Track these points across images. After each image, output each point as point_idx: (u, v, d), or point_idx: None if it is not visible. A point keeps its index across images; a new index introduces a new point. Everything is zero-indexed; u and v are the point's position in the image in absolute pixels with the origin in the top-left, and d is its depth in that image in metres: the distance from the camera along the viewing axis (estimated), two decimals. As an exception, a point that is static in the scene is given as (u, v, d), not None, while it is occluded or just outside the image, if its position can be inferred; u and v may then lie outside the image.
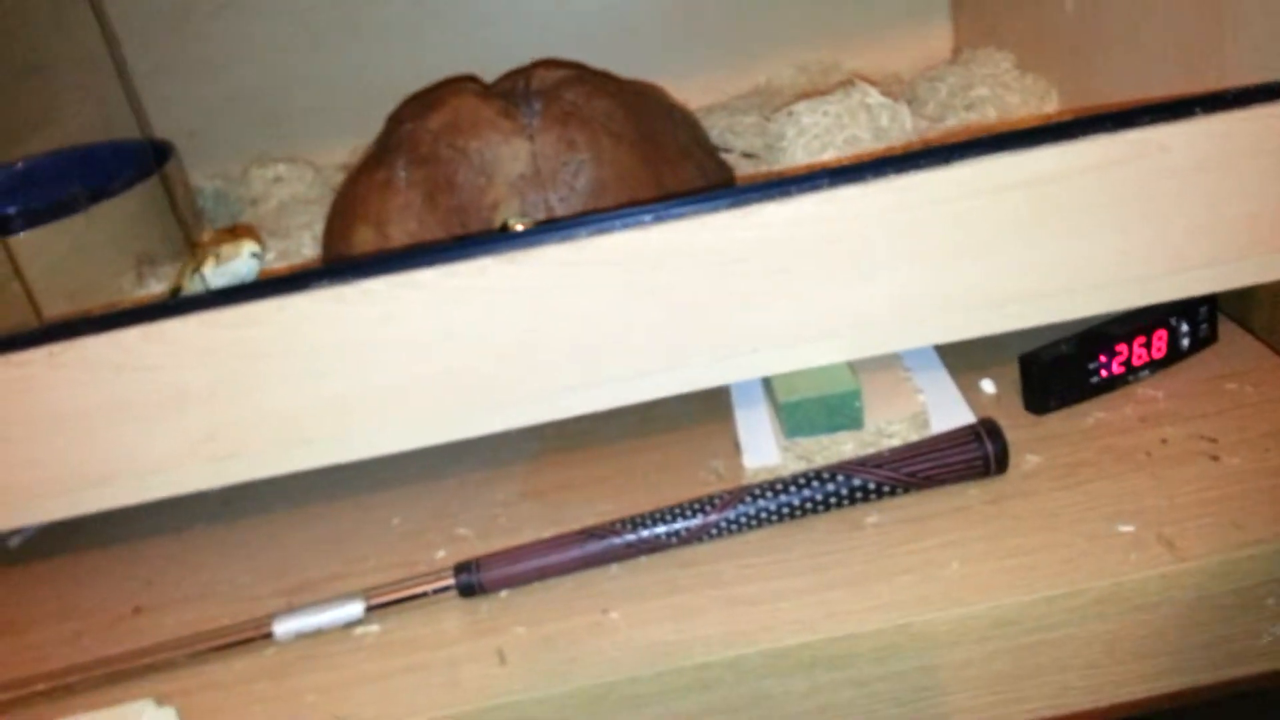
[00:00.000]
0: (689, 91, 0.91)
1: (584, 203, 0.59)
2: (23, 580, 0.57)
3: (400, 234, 0.60)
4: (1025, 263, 0.50)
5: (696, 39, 0.91)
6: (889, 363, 0.54)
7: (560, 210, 0.59)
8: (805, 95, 0.90)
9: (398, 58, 0.89)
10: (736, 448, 0.55)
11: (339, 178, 0.88)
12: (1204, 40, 0.54)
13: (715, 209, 0.48)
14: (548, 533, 0.51)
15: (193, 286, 0.51)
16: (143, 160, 0.75)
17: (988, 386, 0.56)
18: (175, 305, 0.48)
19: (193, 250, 0.53)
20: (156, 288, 0.67)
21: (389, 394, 0.50)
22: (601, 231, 0.48)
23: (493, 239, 0.48)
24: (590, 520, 0.51)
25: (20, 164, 0.80)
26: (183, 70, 0.88)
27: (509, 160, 0.59)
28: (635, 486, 0.54)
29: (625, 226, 0.48)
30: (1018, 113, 0.74)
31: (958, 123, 0.75)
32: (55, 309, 0.61)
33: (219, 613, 0.52)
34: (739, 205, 0.48)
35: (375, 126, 0.90)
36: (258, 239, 0.50)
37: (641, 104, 0.63)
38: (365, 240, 0.61)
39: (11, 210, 0.76)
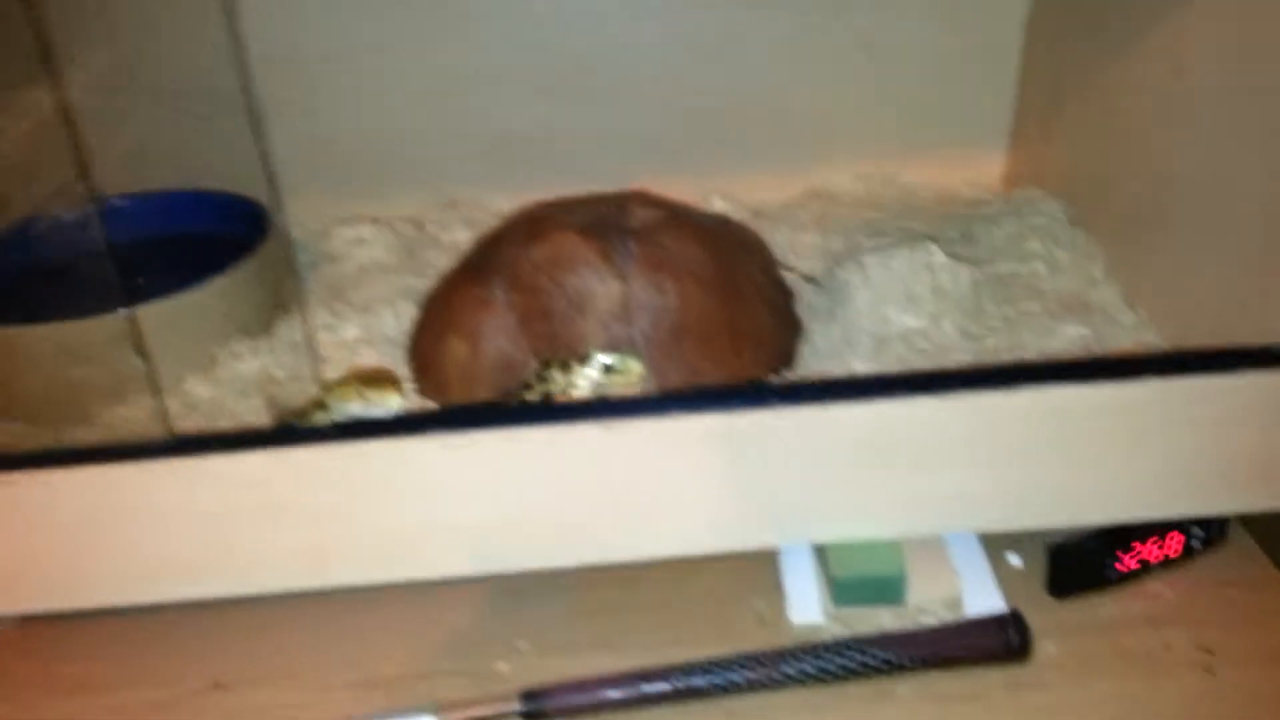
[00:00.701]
0: (748, 189, 0.96)
1: (665, 341, 0.64)
2: (104, 634, 0.61)
3: (492, 350, 0.65)
4: (1068, 473, 0.56)
5: (758, 140, 0.95)
6: (930, 539, 0.59)
7: (642, 345, 0.64)
8: (862, 203, 0.95)
9: (477, 125, 0.93)
10: (779, 590, 0.60)
11: (411, 233, 0.92)
12: (1261, 254, 0.59)
13: (798, 403, 0.53)
14: (601, 655, 0.57)
15: (323, 416, 0.55)
16: (255, 221, 0.79)
17: (1014, 560, 0.62)
18: (301, 434, 0.53)
19: (327, 384, 0.57)
20: (252, 362, 0.71)
21: (480, 526, 0.55)
22: (693, 411, 0.53)
23: (595, 407, 0.53)
24: (639, 646, 0.57)
25: (131, 200, 0.83)
26: (273, 111, 0.92)
27: (602, 298, 0.64)
28: (681, 616, 0.60)
29: (715, 410, 0.53)
30: (1066, 271, 0.79)
31: (1008, 272, 0.80)
32: (166, 377, 0.65)
33: (295, 700, 0.57)
34: (819, 402, 0.53)
35: (448, 186, 0.96)
36: (399, 388, 0.55)
37: (724, 247, 0.68)
38: (458, 352, 0.65)
39: (124, 240, 0.80)
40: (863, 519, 0.56)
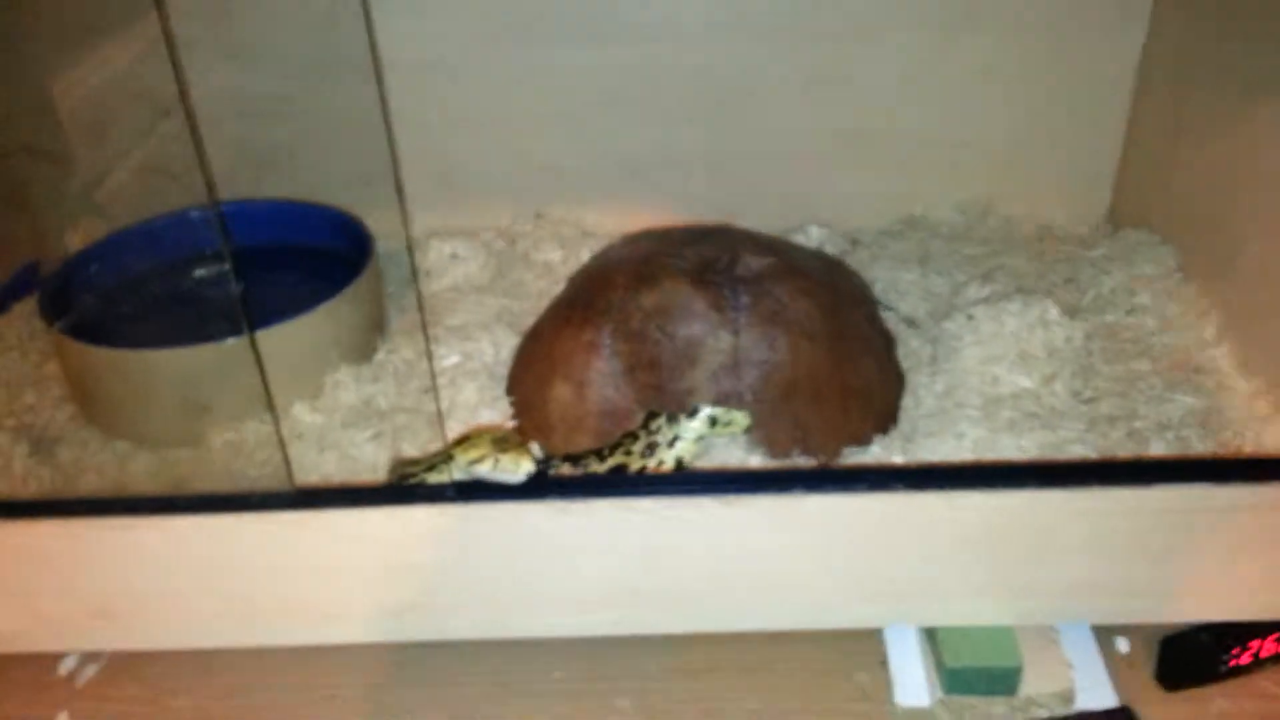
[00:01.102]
0: (844, 213, 0.94)
1: (773, 398, 0.63)
2: (215, 666, 0.62)
3: (597, 398, 0.64)
4: (1193, 569, 0.54)
5: (858, 164, 0.93)
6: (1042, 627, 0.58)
7: (750, 400, 0.63)
8: (960, 235, 0.93)
9: (571, 146, 0.92)
10: (883, 665, 0.60)
11: (503, 247, 0.92)
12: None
13: (925, 488, 0.52)
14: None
15: (449, 471, 0.55)
16: (351, 236, 0.79)
17: (1122, 645, 0.61)
18: (421, 493, 0.53)
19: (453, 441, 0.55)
20: (357, 391, 0.71)
21: (587, 590, 0.55)
22: (813, 491, 0.52)
23: (713, 479, 0.53)
24: (741, 712, 0.57)
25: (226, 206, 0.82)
26: (363, 116, 0.91)
27: (713, 352, 0.63)
28: (783, 682, 0.60)
29: (837, 490, 0.52)
30: (1176, 327, 0.77)
31: (1115, 322, 0.78)
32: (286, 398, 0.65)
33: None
34: (947, 489, 0.52)
35: (536, 201, 0.95)
36: (532, 457, 0.53)
37: (833, 298, 0.67)
38: (563, 397, 0.65)
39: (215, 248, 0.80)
40: (977, 602, 0.55)
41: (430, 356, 0.67)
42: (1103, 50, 0.88)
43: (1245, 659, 0.58)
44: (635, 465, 0.62)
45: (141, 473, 0.68)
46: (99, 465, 0.68)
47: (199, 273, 0.80)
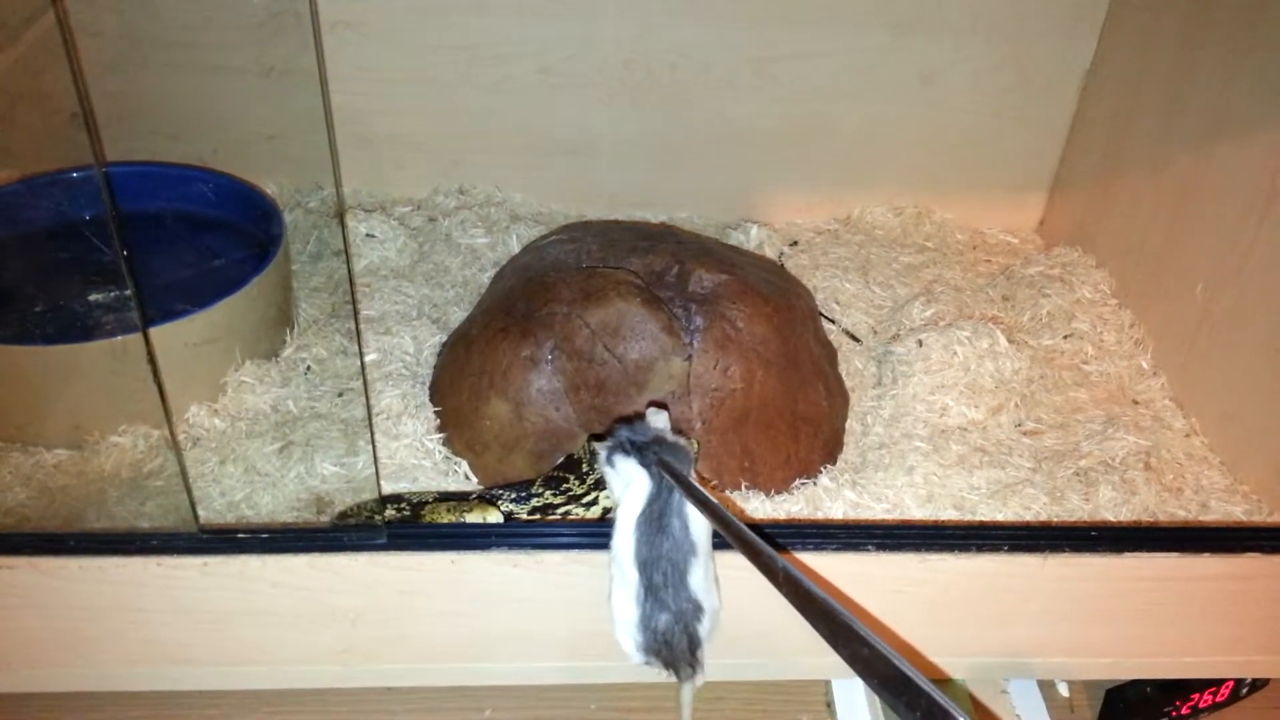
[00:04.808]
0: (780, 210, 0.92)
1: (724, 426, 0.60)
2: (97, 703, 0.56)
3: (535, 418, 0.59)
4: (1151, 632, 0.53)
5: (796, 162, 0.90)
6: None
7: (699, 428, 0.59)
8: (896, 239, 0.91)
9: (499, 121, 0.85)
10: (828, 707, 0.57)
11: (422, 225, 0.85)
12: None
13: (901, 549, 0.49)
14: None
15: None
16: (251, 206, 0.71)
17: (1062, 688, 0.60)
18: (349, 541, 0.47)
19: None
20: (264, 394, 0.64)
21: (536, 640, 0.51)
22: (793, 549, 0.49)
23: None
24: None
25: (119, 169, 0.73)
26: (279, 75, 0.83)
27: (664, 378, 0.59)
28: (723, 720, 0.57)
29: (810, 549, 0.49)
30: (1113, 355, 0.76)
31: (1052, 346, 0.77)
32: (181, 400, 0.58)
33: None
34: (924, 550, 0.49)
35: (458, 175, 0.88)
36: (499, 510, 0.50)
37: (785, 317, 0.63)
38: (499, 414, 0.60)
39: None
40: (937, 661, 0.53)
41: (366, 387, 0.60)
42: (1048, 66, 0.86)
43: (1185, 710, 0.58)
44: (586, 496, 0.57)
45: (8, 474, 0.60)
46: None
47: (65, 251, 0.70)
